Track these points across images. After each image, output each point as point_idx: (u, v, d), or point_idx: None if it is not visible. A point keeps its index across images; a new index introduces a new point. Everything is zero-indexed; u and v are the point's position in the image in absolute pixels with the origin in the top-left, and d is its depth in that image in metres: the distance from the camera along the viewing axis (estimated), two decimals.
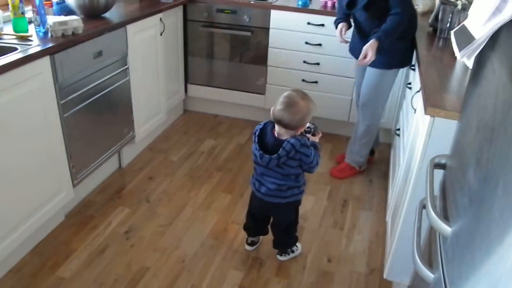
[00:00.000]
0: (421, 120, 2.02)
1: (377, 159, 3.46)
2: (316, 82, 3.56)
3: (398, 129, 2.88)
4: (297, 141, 2.03)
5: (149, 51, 3.16)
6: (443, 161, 1.55)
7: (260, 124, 2.15)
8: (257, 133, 2.11)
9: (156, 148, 3.43)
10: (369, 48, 2.64)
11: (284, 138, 2.05)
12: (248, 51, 3.65)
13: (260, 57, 3.62)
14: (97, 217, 2.69)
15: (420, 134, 2.01)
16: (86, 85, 2.55)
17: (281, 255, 2.47)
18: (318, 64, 3.50)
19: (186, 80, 3.84)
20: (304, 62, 3.52)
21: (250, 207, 2.42)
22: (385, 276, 2.26)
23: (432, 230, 1.43)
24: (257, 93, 3.74)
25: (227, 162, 3.32)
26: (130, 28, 2.88)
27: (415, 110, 2.26)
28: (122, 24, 2.81)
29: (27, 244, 2.37)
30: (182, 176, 3.12)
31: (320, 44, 3.43)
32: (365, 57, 2.66)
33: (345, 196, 3.04)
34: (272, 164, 2.08)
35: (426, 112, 1.83)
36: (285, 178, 2.16)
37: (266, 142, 2.10)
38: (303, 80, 3.58)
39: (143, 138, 3.29)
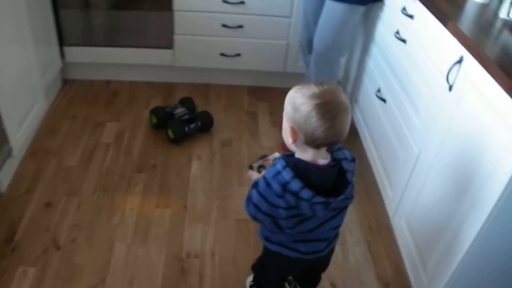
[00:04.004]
0: (487, 113, 1.38)
1: None
2: (241, 26, 2.72)
3: (379, 91, 2.22)
4: (345, 150, 1.33)
5: (7, 12, 2.06)
6: None
7: (277, 169, 1.22)
8: (295, 187, 1.20)
9: (42, 151, 2.41)
10: None
11: (326, 161, 1.27)
12: None
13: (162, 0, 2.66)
14: None
15: (486, 130, 1.38)
16: None
17: None
18: (242, 3, 2.64)
19: (62, 42, 2.74)
20: (224, 1, 2.63)
21: (281, 274, 1.67)
22: None
23: None
24: (162, 48, 2.80)
25: (145, 155, 2.45)
26: None
27: (450, 86, 1.60)
28: None
29: None
30: (92, 192, 2.21)
31: None
32: None
33: None
34: (343, 204, 1.33)
35: None
36: (345, 212, 1.43)
37: (321, 182, 1.25)
38: (224, 26, 2.71)
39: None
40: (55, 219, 2.06)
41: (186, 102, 2.69)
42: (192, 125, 2.54)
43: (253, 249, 2.02)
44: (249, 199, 1.32)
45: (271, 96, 2.99)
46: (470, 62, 1.50)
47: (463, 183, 1.51)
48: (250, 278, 1.85)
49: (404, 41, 1.99)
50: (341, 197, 1.25)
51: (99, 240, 1.99)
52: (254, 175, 1.45)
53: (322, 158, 1.26)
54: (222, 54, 2.82)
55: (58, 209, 2.11)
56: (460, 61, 1.56)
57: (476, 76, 1.47)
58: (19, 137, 2.18)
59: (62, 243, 1.96)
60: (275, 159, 1.48)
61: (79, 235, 2.00)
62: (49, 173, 2.28)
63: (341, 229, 2.11)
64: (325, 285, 1.89)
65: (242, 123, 2.74)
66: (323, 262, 1.58)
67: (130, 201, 2.18)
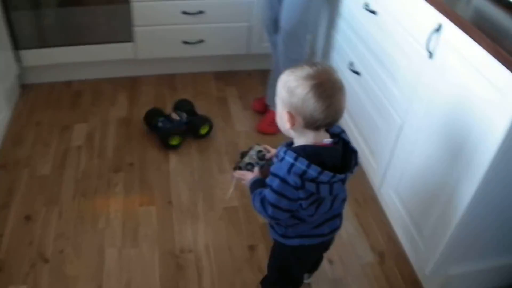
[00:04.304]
0: (471, 77, 1.40)
1: None
2: (201, 12, 2.65)
3: (352, 64, 2.22)
4: (339, 126, 1.30)
5: None
6: None
7: (289, 162, 1.18)
8: (314, 173, 1.17)
9: (11, 162, 2.29)
10: None
11: (330, 139, 1.26)
12: None
13: None
14: None
15: (472, 93, 1.41)
16: None
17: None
18: None
19: (16, 46, 2.58)
20: None
21: (304, 268, 1.64)
22: (427, 272, 1.76)
23: None
24: (122, 42, 2.70)
25: (120, 154, 2.37)
26: None
27: (430, 53, 1.61)
28: None
29: None
30: (72, 199, 2.13)
31: None
32: None
33: None
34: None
35: None
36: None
37: (333, 161, 1.24)
38: (184, 13, 2.63)
39: None
40: (37, 231, 1.98)
41: (154, 112, 2.52)
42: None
43: (245, 236, 2.01)
44: (263, 201, 1.29)
45: (238, 80, 2.95)
46: (450, 28, 1.51)
47: (454, 147, 1.53)
48: None
49: (374, 12, 1.99)
50: (355, 168, 1.26)
51: (88, 248, 1.93)
52: (248, 175, 1.42)
53: (324, 138, 1.25)
54: (185, 42, 2.74)
55: (39, 221, 2.02)
56: (438, 28, 1.57)
57: (457, 42, 1.49)
58: None
59: (49, 255, 1.89)
60: (258, 153, 1.44)
61: (66, 245, 1.93)
62: (23, 184, 2.18)
63: None
64: (323, 263, 1.90)
65: (213, 110, 2.69)
66: (333, 240, 1.58)
67: (112, 203, 2.12)
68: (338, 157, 1.26)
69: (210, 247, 1.96)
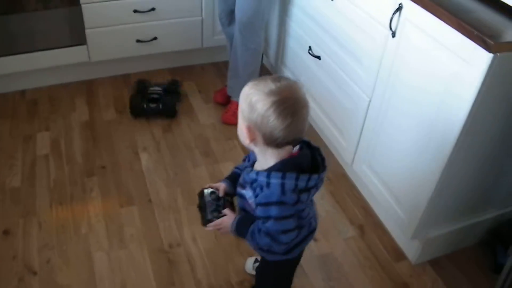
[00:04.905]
0: (439, 56, 1.51)
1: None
2: (153, 9, 2.64)
3: (310, 49, 2.30)
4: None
5: None
6: None
7: (279, 183, 1.16)
8: (303, 183, 1.17)
9: None
10: None
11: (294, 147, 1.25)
12: None
13: None
14: None
15: (438, 67, 1.53)
16: None
17: None
18: None
19: None
20: None
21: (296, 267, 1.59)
22: (410, 238, 1.88)
23: None
24: (74, 45, 2.64)
25: (90, 158, 2.34)
26: None
27: (393, 32, 1.72)
28: None
29: None
30: (48, 208, 2.08)
31: None
32: None
33: None
34: None
35: (491, 49, 1.34)
36: None
37: (308, 165, 1.25)
38: (135, 11, 2.61)
39: None
40: (19, 245, 1.93)
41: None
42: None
43: None
44: (270, 235, 1.23)
45: (194, 74, 2.97)
46: (411, 7, 1.61)
47: (426, 116, 1.64)
48: None
49: None
50: (326, 162, 1.26)
51: (75, 254, 1.91)
52: (224, 221, 1.38)
53: (290, 149, 1.22)
54: (138, 41, 2.72)
55: (18, 234, 1.98)
56: (399, 8, 1.67)
57: (419, 19, 1.59)
58: None
59: (37, 267, 1.85)
60: (212, 195, 1.40)
61: (52, 255, 1.90)
62: None
63: None
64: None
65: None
66: None
67: (91, 207, 2.10)
68: (309, 160, 1.25)
69: (197, 239, 1.99)
